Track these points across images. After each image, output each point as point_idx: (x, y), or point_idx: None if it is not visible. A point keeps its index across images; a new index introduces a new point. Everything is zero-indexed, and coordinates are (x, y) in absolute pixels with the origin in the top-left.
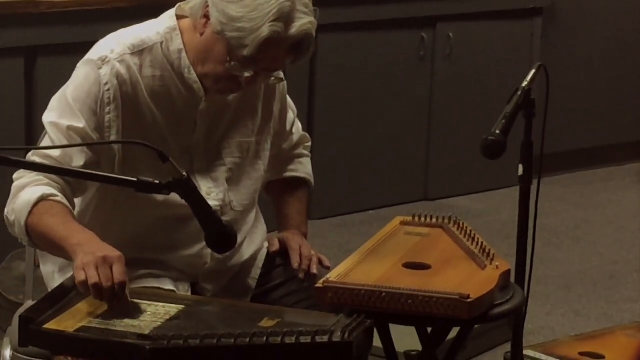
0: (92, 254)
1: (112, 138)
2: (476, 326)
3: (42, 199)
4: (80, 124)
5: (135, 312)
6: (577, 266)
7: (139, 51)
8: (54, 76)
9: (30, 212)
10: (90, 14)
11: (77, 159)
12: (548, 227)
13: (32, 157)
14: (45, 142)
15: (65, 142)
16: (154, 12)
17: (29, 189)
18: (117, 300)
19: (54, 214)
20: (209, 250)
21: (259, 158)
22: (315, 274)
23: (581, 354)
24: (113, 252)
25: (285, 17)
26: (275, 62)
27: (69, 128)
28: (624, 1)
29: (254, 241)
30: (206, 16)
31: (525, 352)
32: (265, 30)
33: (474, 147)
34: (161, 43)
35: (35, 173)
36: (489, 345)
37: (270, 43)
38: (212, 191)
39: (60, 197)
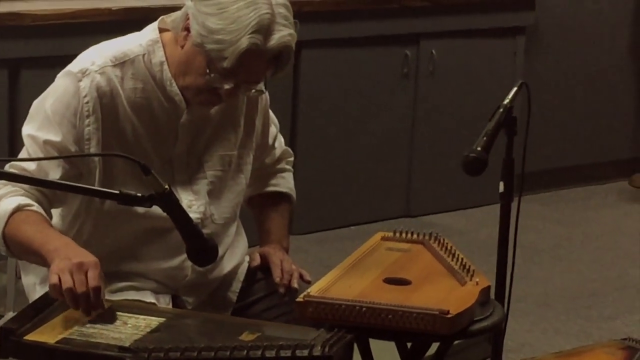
0: (67, 260)
1: (92, 150)
2: (456, 342)
3: (19, 209)
4: (57, 137)
5: (116, 324)
6: (557, 284)
7: (121, 63)
8: (37, 89)
9: (6, 222)
10: (74, 27)
11: (53, 173)
12: (528, 244)
13: (10, 169)
14: (23, 155)
15: (41, 157)
16: (137, 25)
17: (5, 199)
18: (92, 307)
19: (30, 222)
20: (189, 263)
21: (240, 172)
22: (296, 288)
23: None
24: (88, 258)
25: (264, 29)
26: (254, 74)
27: (46, 142)
28: (606, 20)
29: (235, 255)
30: (187, 29)
31: None
32: (244, 42)
33: (455, 164)
34: (143, 55)
35: (11, 184)
36: None
37: (249, 55)
38: (193, 204)
39: (36, 207)
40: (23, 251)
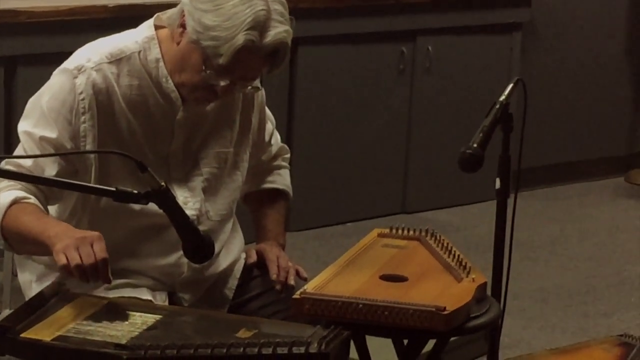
0: (70, 237)
1: (88, 147)
2: (452, 339)
3: (16, 201)
4: (53, 134)
5: (112, 321)
6: (553, 280)
7: (117, 60)
8: (33, 86)
9: (4, 215)
10: (70, 24)
11: (49, 170)
12: (525, 241)
13: (6, 166)
14: (19, 151)
15: (37, 153)
16: (133, 22)
17: (2, 193)
18: (101, 279)
19: (28, 212)
20: (185, 260)
21: (237, 169)
22: (292, 285)
23: None
24: (91, 233)
25: (260, 26)
26: (250, 71)
27: (42, 139)
28: (602, 16)
29: (231, 251)
30: (182, 25)
31: None
32: (240, 39)
33: (452, 160)
34: (139, 52)
35: (7, 180)
36: (465, 358)
37: (245, 52)
38: (188, 201)
39: (33, 200)
40: (22, 240)
